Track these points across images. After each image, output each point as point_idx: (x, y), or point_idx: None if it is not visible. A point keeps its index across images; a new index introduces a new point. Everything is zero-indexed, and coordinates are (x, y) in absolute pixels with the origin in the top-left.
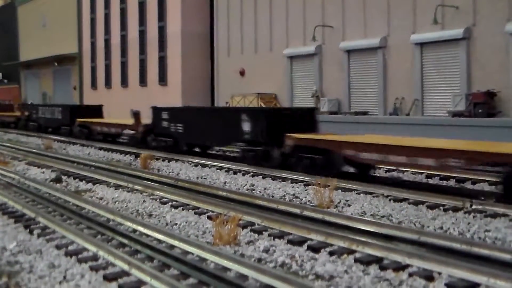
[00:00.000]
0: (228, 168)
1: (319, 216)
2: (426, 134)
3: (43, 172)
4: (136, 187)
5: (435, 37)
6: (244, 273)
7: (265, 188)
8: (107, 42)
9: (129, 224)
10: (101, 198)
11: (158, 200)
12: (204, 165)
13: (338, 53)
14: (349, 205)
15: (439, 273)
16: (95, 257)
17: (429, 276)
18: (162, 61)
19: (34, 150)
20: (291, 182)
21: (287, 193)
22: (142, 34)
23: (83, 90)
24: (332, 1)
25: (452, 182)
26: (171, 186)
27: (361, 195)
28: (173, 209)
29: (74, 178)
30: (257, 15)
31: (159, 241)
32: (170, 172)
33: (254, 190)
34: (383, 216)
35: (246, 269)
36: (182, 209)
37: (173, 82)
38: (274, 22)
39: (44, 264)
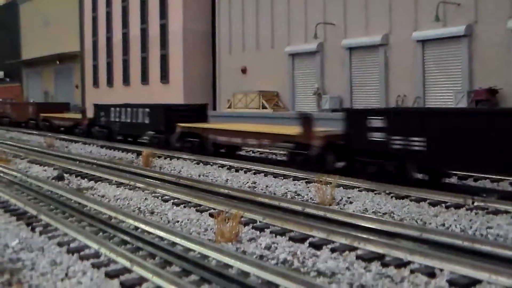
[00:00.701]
0: (230, 165)
1: (321, 213)
2: None
3: (45, 170)
4: (138, 184)
5: (436, 34)
6: (246, 270)
7: (267, 186)
8: (108, 40)
9: (131, 221)
10: (103, 196)
11: (160, 197)
12: (206, 163)
13: (340, 50)
14: (351, 203)
15: (441, 270)
16: (97, 254)
17: (431, 273)
18: (164, 59)
19: (36, 148)
20: (293, 180)
21: (289, 191)
22: (144, 32)
23: (85, 88)
24: None
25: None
26: (173, 183)
27: (363, 192)
28: (175, 207)
29: (76, 176)
30: (258, 12)
31: (161, 238)
32: (172, 170)
33: (256, 187)
34: (385, 213)
35: (248, 266)
36: (184, 207)
37: (175, 80)
38: (276, 19)
39: (46, 261)
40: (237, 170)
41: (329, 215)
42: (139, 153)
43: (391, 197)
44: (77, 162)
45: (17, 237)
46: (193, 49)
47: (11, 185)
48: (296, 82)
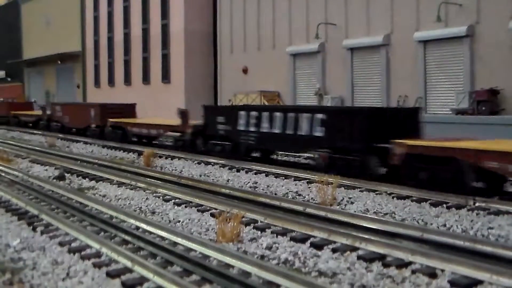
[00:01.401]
0: (231, 166)
1: (322, 213)
2: (429, 131)
3: (47, 170)
4: (139, 184)
5: (438, 34)
6: (247, 270)
7: (268, 186)
8: (110, 40)
9: (132, 221)
10: (104, 196)
11: (161, 197)
12: (207, 163)
13: (341, 50)
14: (352, 203)
15: (442, 270)
16: (98, 254)
17: (432, 273)
18: (165, 59)
19: (37, 148)
20: (294, 180)
21: (290, 191)
22: (145, 32)
23: (86, 88)
24: None
25: None
26: (174, 183)
27: (364, 192)
28: (176, 207)
29: (77, 176)
30: (260, 12)
31: (162, 238)
32: (173, 170)
33: (257, 187)
34: (386, 214)
35: (249, 266)
36: (185, 207)
37: (176, 80)
38: (277, 20)
39: (47, 261)
40: (238, 170)
41: (330, 215)
42: (140, 153)
43: (392, 197)
44: (79, 161)
45: (19, 237)
46: (194, 49)
47: (12, 184)
48: (298, 82)
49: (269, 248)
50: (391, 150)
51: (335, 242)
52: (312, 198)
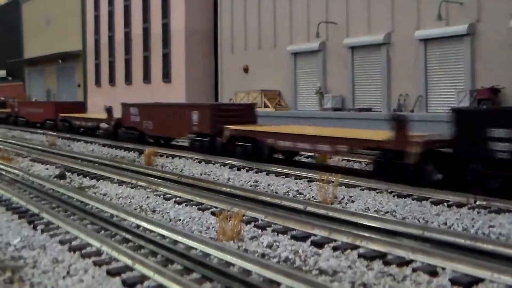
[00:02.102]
0: (232, 164)
1: (322, 211)
2: (430, 130)
3: (47, 169)
4: (140, 183)
5: (439, 33)
6: (247, 268)
7: (268, 184)
8: (111, 39)
9: (132, 219)
10: (104, 194)
11: (161, 196)
12: (207, 162)
13: (342, 49)
14: (352, 201)
15: (443, 268)
16: (98, 252)
17: (433, 271)
18: (166, 58)
19: (38, 147)
20: (295, 179)
21: (290, 189)
22: (146, 31)
23: (87, 87)
24: None
25: None
26: (175, 182)
27: (365, 191)
28: (176, 205)
29: (78, 175)
30: (260, 11)
31: (163, 236)
32: (174, 169)
33: (257, 186)
34: (387, 212)
35: (250, 264)
36: (186, 205)
37: (177, 79)
38: (278, 18)
39: (47, 259)
40: (239, 169)
41: (331, 213)
42: (141, 152)
43: (393, 196)
44: (79, 160)
45: (19, 235)
46: (195, 48)
47: (13, 183)
48: (298, 81)
49: (269, 246)
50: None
51: (335, 241)
52: (312, 196)
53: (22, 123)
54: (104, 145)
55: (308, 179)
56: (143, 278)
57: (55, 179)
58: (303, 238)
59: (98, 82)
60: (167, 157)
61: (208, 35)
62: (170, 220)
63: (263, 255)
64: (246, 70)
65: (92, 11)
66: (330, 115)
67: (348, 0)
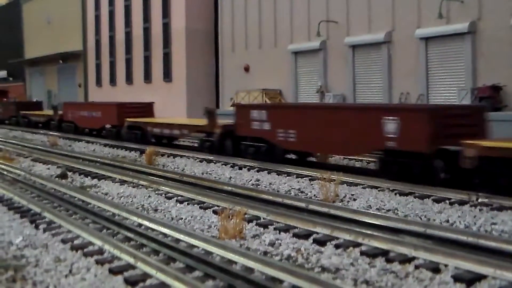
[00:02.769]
0: (233, 163)
1: (324, 209)
2: None
3: (49, 168)
4: (141, 182)
5: (440, 31)
6: (250, 266)
7: (270, 183)
8: (111, 39)
9: (134, 218)
10: (106, 194)
11: (163, 195)
12: (209, 161)
13: (343, 48)
14: (354, 199)
15: (446, 265)
16: (100, 251)
17: (435, 268)
18: (167, 58)
19: (39, 147)
20: (296, 177)
21: (292, 188)
22: (147, 31)
23: (88, 87)
24: None
25: None
26: (176, 181)
27: (367, 189)
28: (178, 204)
29: (80, 174)
30: (261, 10)
31: (165, 235)
32: (175, 168)
33: (259, 185)
34: (389, 210)
35: (252, 262)
36: (188, 204)
37: (177, 79)
38: (279, 17)
39: (50, 258)
40: (240, 168)
41: (333, 211)
42: (142, 151)
43: (395, 194)
44: (81, 160)
45: (21, 234)
46: (196, 48)
47: (15, 183)
48: (299, 80)
49: (272, 244)
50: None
51: (338, 238)
52: (314, 195)
53: (69, 129)
54: (105, 145)
55: (309, 177)
56: (145, 276)
57: (56, 178)
58: (305, 236)
59: (99, 82)
60: (168, 156)
61: (209, 35)
62: (172, 219)
63: (265, 253)
64: (247, 69)
65: (92, 11)
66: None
67: None
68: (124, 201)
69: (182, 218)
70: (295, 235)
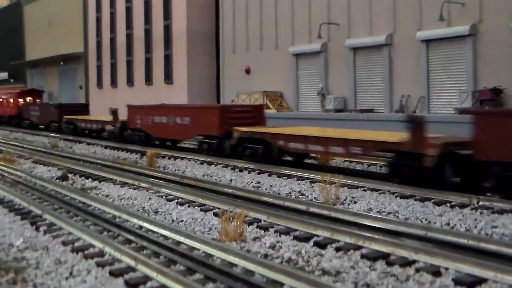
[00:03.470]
0: (234, 165)
1: (325, 212)
2: (432, 131)
3: (49, 170)
4: (142, 184)
5: (441, 34)
6: (250, 269)
7: (271, 186)
8: (112, 41)
9: (135, 220)
10: (107, 196)
11: (164, 197)
12: (210, 163)
13: (344, 50)
14: (355, 202)
15: (446, 269)
16: (101, 253)
17: (436, 272)
18: (168, 60)
19: (40, 149)
20: (297, 180)
21: (293, 190)
22: (148, 33)
23: (89, 89)
24: None
25: None
26: (177, 183)
27: (367, 192)
28: (179, 206)
29: (80, 176)
30: (262, 12)
31: (166, 237)
32: (176, 170)
33: (260, 187)
34: (389, 213)
35: (253, 264)
36: (188, 206)
37: (179, 81)
38: (280, 20)
39: (50, 260)
40: (241, 170)
41: (333, 214)
42: (143, 153)
43: (396, 196)
44: (81, 162)
45: (22, 236)
46: (197, 50)
47: (15, 185)
48: (300, 82)
49: (272, 247)
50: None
51: (338, 241)
52: (315, 197)
53: (138, 140)
54: (106, 147)
55: (310, 180)
56: (146, 279)
57: (57, 180)
58: (306, 238)
59: (100, 84)
60: (169, 158)
61: (210, 36)
62: (173, 221)
63: (266, 256)
64: (248, 71)
65: (94, 13)
66: (332, 116)
67: (349, 1)
68: (124, 203)
69: (182, 221)
70: (296, 238)
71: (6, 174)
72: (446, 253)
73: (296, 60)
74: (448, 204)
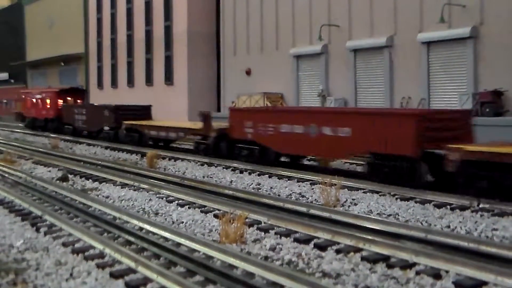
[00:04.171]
0: (234, 167)
1: (325, 214)
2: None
3: (50, 171)
4: (142, 185)
5: (442, 36)
6: (250, 271)
7: (271, 187)
8: (113, 42)
9: (135, 222)
10: (107, 197)
11: (164, 198)
12: (210, 164)
13: (345, 52)
14: (355, 204)
15: (447, 271)
16: (101, 255)
17: (436, 274)
18: (168, 61)
19: (40, 149)
20: (297, 181)
21: (293, 192)
22: (148, 34)
23: (89, 90)
24: (338, 0)
25: None
26: (177, 184)
27: (368, 194)
28: (179, 208)
29: (81, 177)
30: (263, 14)
31: (166, 239)
32: (176, 171)
33: (260, 189)
34: (389, 215)
35: (253, 266)
36: (189, 208)
37: (179, 82)
38: (280, 21)
39: (51, 261)
40: (241, 172)
41: (333, 216)
42: (143, 154)
43: (396, 198)
44: (82, 163)
45: (22, 237)
46: (197, 51)
47: (16, 185)
48: (301, 84)
49: (272, 249)
50: None
51: (338, 243)
52: (315, 199)
53: (252, 158)
54: (106, 148)
55: (310, 181)
56: (146, 280)
57: (57, 181)
58: (306, 240)
59: (100, 84)
60: (169, 159)
61: (211, 38)
62: (173, 222)
63: (266, 258)
64: (248, 72)
65: (94, 14)
66: None
67: (350, 3)
68: (125, 204)
69: (183, 222)
70: (296, 240)
71: (6, 175)
72: (446, 255)
73: (296, 61)
74: (448, 207)
